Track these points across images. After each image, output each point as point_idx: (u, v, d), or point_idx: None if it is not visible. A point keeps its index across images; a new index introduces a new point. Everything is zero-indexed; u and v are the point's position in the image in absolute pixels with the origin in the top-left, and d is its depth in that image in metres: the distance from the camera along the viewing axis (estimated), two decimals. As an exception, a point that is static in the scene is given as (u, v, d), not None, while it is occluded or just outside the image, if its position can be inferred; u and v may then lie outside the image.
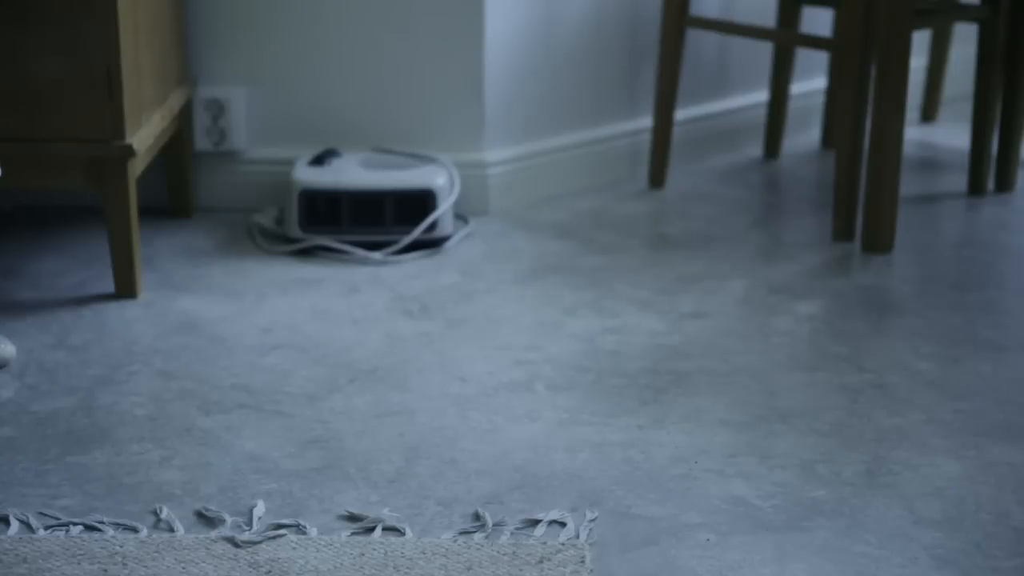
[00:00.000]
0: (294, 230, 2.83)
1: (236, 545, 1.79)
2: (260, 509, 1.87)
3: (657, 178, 3.26)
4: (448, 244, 2.86)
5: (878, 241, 2.84)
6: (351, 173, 2.86)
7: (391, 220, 2.83)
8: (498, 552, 1.78)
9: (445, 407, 2.18)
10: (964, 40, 3.74)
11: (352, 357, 2.36)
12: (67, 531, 1.82)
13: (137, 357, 2.35)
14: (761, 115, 3.53)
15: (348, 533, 1.82)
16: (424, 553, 1.77)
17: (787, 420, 2.14)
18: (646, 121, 3.32)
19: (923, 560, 1.77)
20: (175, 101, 2.83)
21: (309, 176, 2.85)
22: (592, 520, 1.85)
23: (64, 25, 2.43)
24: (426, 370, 2.31)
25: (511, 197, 3.08)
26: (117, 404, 2.18)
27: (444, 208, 2.84)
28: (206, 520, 1.86)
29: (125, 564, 1.74)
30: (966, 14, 3.22)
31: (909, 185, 3.17)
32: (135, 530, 1.82)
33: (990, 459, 2.03)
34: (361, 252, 2.79)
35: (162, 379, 2.26)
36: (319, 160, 2.90)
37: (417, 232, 2.81)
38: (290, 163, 2.95)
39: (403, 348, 2.39)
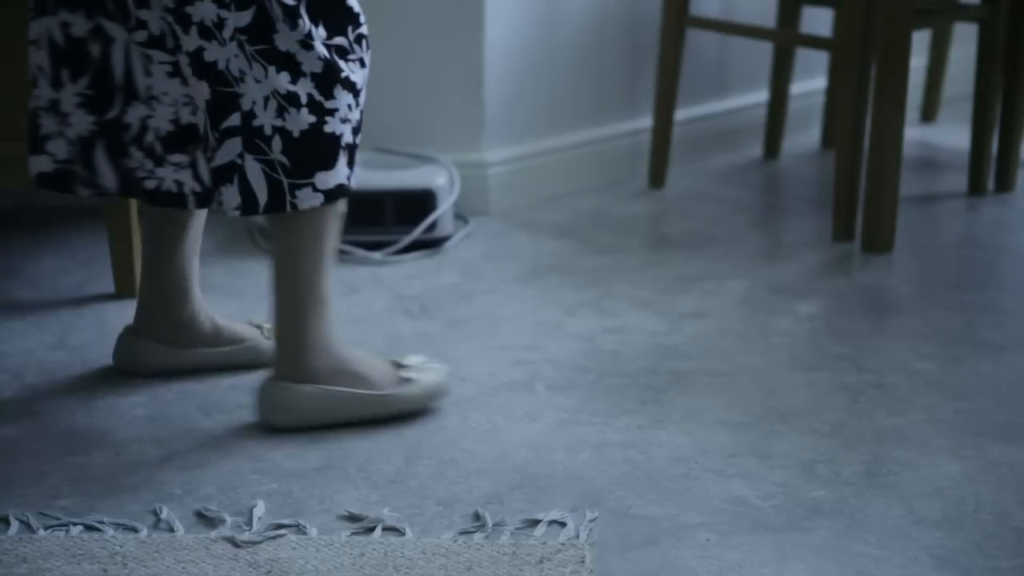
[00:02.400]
0: (294, 230, 2.83)
1: (236, 545, 1.79)
2: (260, 509, 1.87)
3: (657, 178, 3.26)
4: (448, 244, 2.86)
5: (878, 241, 2.84)
6: (351, 173, 2.86)
7: (391, 220, 2.83)
8: (498, 552, 1.78)
9: (445, 407, 2.18)
10: (964, 40, 3.74)
11: (352, 357, 2.36)
12: (67, 531, 1.82)
13: (137, 357, 2.35)
14: (761, 115, 3.54)
15: (348, 533, 1.82)
16: (424, 553, 1.77)
17: (787, 420, 2.14)
18: (646, 121, 3.33)
19: (923, 560, 1.77)
20: (175, 101, 2.83)
21: (309, 176, 2.85)
22: (592, 520, 1.85)
23: (64, 25, 2.43)
24: (426, 370, 2.31)
25: (511, 197, 3.09)
26: (117, 404, 2.18)
27: (444, 208, 2.84)
28: (206, 520, 1.86)
29: (125, 564, 1.74)
30: (966, 14, 3.23)
31: (909, 185, 3.17)
32: (135, 530, 1.82)
33: (990, 459, 2.03)
34: (361, 252, 2.79)
35: (162, 379, 2.26)
36: (319, 160, 2.90)
37: (417, 232, 2.81)
38: (290, 163, 2.95)
39: (403, 348, 2.39)
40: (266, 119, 1.96)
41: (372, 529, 1.83)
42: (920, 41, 3.67)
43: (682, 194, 3.22)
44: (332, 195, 2.00)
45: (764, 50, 3.50)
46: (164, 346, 2.24)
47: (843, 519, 1.86)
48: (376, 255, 2.79)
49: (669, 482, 1.96)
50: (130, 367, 2.24)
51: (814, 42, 3.10)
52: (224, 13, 1.92)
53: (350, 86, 2.00)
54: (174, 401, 2.19)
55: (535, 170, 3.13)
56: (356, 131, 2.03)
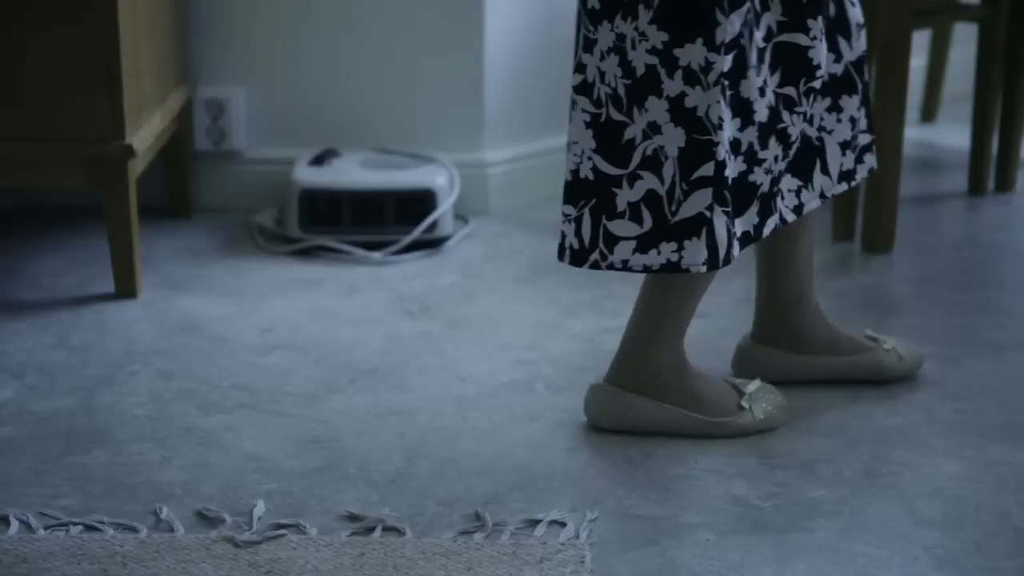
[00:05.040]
0: (294, 230, 2.83)
1: (236, 545, 1.79)
2: (260, 509, 1.87)
3: (657, 178, 3.25)
4: (448, 244, 2.86)
5: (878, 241, 2.84)
6: (351, 173, 2.86)
7: (391, 220, 2.83)
8: (498, 552, 1.78)
9: (445, 407, 2.18)
10: (964, 40, 3.74)
11: (352, 357, 2.36)
12: (67, 531, 1.82)
13: (137, 357, 2.35)
14: (761, 115, 3.53)
15: (348, 533, 1.82)
16: (424, 553, 1.77)
17: (787, 420, 2.14)
18: (646, 121, 3.32)
19: (923, 560, 1.77)
20: (175, 101, 2.83)
21: (309, 176, 2.85)
22: (592, 520, 1.85)
23: (64, 25, 2.43)
24: (426, 370, 2.31)
25: (511, 197, 3.08)
26: (117, 404, 2.18)
27: (444, 208, 2.83)
28: (206, 520, 1.86)
29: (125, 564, 1.74)
30: (966, 14, 3.22)
31: (909, 185, 3.17)
32: (135, 530, 1.82)
33: (990, 459, 2.03)
34: (361, 252, 2.79)
35: (162, 379, 2.26)
36: (319, 160, 2.90)
37: (417, 232, 2.81)
38: (290, 163, 2.95)
39: (403, 348, 2.39)
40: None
41: (372, 529, 1.83)
42: (920, 41, 3.67)
43: (682, 194, 3.22)
44: (739, 242, 1.98)
45: (764, 50, 3.50)
46: (786, 353, 2.23)
47: (843, 519, 1.86)
48: (376, 255, 2.79)
49: (669, 482, 1.96)
50: (752, 374, 2.21)
51: (814, 42, 3.09)
52: (713, 57, 1.88)
53: (784, 138, 1.97)
54: (174, 401, 2.19)
55: (535, 170, 3.13)
56: (775, 181, 2.00)
